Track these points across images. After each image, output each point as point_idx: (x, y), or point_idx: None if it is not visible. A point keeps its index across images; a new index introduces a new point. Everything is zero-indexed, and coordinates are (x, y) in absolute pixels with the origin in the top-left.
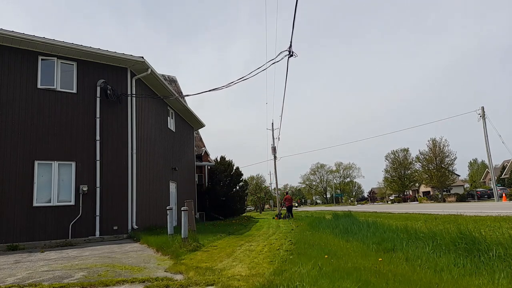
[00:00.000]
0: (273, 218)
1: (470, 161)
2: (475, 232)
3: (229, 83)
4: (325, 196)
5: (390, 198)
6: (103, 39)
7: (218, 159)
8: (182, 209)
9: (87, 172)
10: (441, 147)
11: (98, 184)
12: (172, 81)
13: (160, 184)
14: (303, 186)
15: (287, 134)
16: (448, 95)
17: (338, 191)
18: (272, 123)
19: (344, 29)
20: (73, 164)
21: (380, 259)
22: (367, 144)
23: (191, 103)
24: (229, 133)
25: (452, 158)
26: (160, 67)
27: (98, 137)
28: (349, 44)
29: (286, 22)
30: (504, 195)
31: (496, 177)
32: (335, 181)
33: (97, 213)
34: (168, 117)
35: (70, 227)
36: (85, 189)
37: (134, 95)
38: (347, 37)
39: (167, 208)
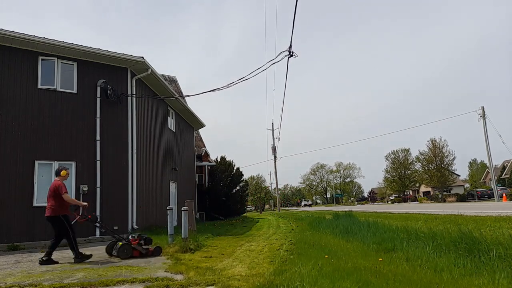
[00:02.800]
0: None
1: (470, 161)
2: (475, 232)
3: (229, 84)
4: (325, 196)
5: (391, 198)
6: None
7: (219, 159)
8: (182, 209)
9: (87, 172)
10: (440, 147)
11: (98, 184)
12: (172, 81)
13: (160, 184)
14: (303, 186)
15: (287, 134)
16: (448, 94)
17: (338, 191)
18: (272, 123)
19: (345, 30)
20: (73, 164)
21: (380, 259)
22: (367, 144)
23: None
24: (229, 133)
25: (451, 158)
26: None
27: (98, 137)
28: (350, 43)
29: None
30: (504, 195)
31: (496, 177)
32: (335, 181)
33: (97, 213)
34: (168, 117)
35: None
36: (85, 189)
37: (134, 95)
38: (347, 37)
39: (167, 208)
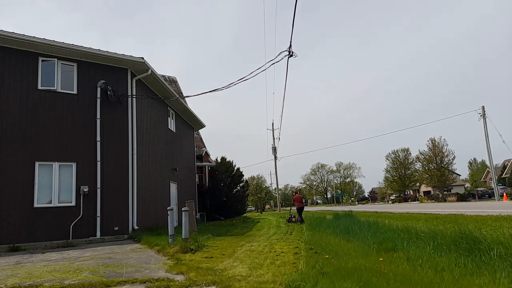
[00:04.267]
0: (287, 222)
1: (470, 161)
2: (476, 231)
3: (229, 84)
4: (325, 196)
5: (391, 198)
6: None
7: (219, 160)
8: (183, 209)
9: (88, 173)
10: (440, 147)
11: (98, 185)
12: (172, 81)
13: (160, 185)
14: (303, 186)
15: (287, 134)
16: (449, 94)
17: (339, 191)
18: (273, 123)
19: (344, 28)
20: (74, 165)
21: (381, 259)
22: (367, 144)
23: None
24: (230, 133)
25: (451, 157)
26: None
27: (98, 138)
28: (349, 43)
29: None
30: (505, 194)
31: (496, 177)
32: (335, 181)
33: (98, 213)
34: (169, 118)
35: (71, 228)
36: (85, 189)
37: (134, 96)
38: (346, 35)
39: (168, 208)
